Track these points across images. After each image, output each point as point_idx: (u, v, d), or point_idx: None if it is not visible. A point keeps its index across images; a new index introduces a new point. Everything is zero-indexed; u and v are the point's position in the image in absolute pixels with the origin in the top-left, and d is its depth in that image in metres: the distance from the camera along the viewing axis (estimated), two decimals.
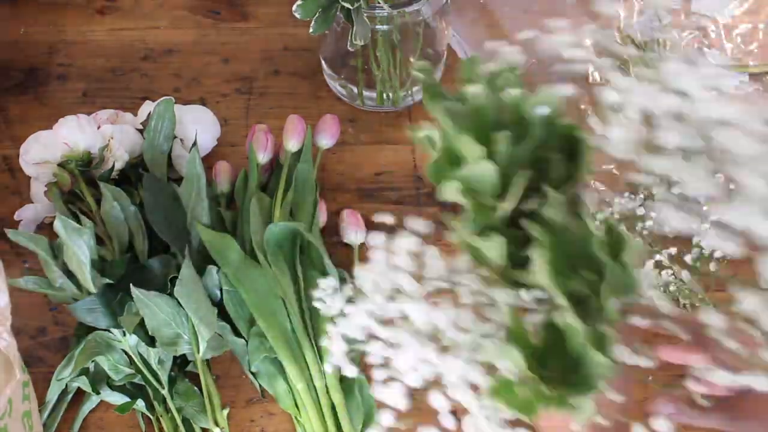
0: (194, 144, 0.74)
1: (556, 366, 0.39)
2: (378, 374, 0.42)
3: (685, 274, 0.71)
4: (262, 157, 0.76)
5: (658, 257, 0.72)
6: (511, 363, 0.39)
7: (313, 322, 0.68)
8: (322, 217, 0.75)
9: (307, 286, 0.68)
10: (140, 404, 0.66)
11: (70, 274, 0.67)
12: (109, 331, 0.66)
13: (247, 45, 0.92)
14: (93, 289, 0.65)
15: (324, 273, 0.69)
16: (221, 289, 0.68)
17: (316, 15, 0.71)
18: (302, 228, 0.69)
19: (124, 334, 0.65)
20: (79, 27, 0.93)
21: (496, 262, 0.41)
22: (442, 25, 0.82)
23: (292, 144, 0.76)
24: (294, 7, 0.70)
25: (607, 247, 0.38)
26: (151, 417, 0.66)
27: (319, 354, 0.67)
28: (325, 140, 0.79)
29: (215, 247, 0.68)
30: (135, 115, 0.80)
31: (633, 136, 0.36)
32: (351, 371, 0.44)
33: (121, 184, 0.73)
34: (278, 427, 0.67)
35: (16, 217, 0.74)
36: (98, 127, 0.75)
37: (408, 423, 0.42)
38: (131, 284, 0.63)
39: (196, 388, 0.66)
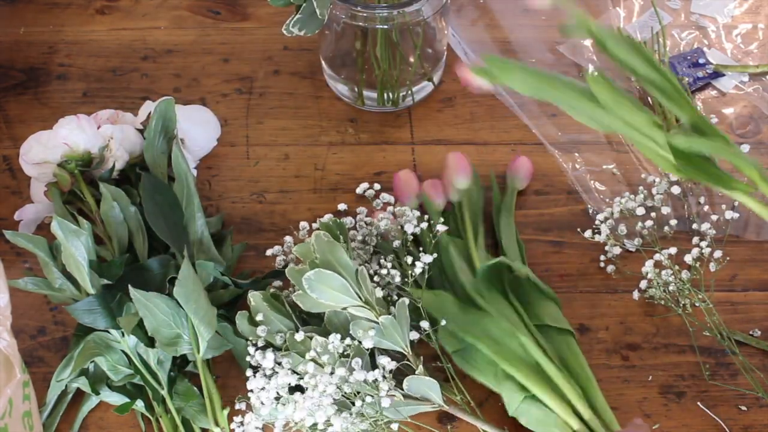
0: (177, 138, 0.73)
1: None
2: None
3: (685, 274, 0.71)
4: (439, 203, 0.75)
5: (657, 257, 0.72)
6: None
7: (548, 352, 0.65)
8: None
9: (530, 316, 0.67)
10: (140, 404, 0.66)
11: (69, 275, 0.67)
12: (107, 331, 0.66)
13: (247, 45, 0.92)
14: (91, 290, 0.65)
15: (541, 291, 0.69)
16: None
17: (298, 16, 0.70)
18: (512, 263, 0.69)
19: (123, 335, 0.65)
20: (79, 27, 0.93)
21: None
22: (442, 25, 0.82)
23: (462, 181, 0.75)
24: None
25: None
26: (151, 417, 0.66)
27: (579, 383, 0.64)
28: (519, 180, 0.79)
29: (432, 306, 0.66)
30: (135, 115, 0.80)
31: None
32: None
33: (121, 184, 0.73)
34: None
35: (16, 217, 0.74)
36: (98, 127, 0.75)
37: None
38: (130, 285, 0.63)
39: (195, 388, 0.66)
